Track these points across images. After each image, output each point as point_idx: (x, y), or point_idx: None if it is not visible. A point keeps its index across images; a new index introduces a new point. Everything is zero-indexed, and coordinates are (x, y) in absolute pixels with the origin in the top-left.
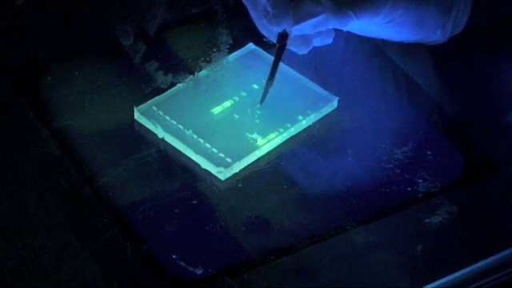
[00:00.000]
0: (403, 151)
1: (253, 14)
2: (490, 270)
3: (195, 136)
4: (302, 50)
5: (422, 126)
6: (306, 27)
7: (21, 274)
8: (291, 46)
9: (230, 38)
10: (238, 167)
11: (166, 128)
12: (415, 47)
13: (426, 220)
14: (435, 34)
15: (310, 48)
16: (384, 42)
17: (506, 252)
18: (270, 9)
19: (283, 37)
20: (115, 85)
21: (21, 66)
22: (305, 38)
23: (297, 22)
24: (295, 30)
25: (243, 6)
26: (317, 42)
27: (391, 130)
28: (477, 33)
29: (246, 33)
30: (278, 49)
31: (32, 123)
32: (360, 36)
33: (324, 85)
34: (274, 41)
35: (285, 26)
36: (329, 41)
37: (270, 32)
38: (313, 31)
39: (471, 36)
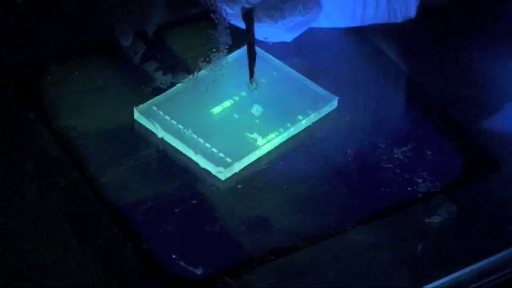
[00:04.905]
0: (403, 151)
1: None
2: (490, 269)
3: (195, 136)
4: (277, 22)
5: (422, 126)
6: None
7: (21, 274)
8: (268, 19)
9: (229, 38)
10: (238, 167)
11: (166, 128)
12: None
13: (426, 220)
14: None
15: (285, 18)
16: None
17: (506, 252)
18: None
19: (247, 13)
20: (115, 85)
21: (21, 65)
22: (275, 7)
23: None
24: None
25: None
26: (304, 22)
27: (391, 129)
28: (475, 32)
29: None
30: (246, 26)
31: (32, 123)
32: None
33: (324, 85)
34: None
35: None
36: (316, 14)
37: (237, 16)
38: None
39: (470, 36)
